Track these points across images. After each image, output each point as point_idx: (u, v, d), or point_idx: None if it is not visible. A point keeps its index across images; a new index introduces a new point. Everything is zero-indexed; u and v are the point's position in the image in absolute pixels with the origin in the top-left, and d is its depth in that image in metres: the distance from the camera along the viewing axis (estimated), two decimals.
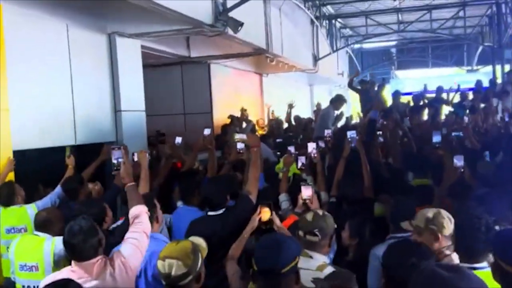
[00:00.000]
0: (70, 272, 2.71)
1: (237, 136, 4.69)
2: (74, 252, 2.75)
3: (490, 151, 5.65)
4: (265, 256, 2.09)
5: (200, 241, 2.52)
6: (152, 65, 8.61)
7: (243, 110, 10.19)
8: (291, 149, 5.40)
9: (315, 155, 4.78)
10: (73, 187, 4.45)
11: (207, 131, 5.38)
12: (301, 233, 2.77)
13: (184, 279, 2.27)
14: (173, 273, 2.26)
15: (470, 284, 1.56)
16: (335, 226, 2.87)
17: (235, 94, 11.05)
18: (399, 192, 4.10)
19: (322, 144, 5.50)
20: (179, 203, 4.51)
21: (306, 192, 3.60)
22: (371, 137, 5.72)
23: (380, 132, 5.91)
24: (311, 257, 2.70)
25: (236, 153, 4.95)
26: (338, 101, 8.89)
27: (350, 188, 4.15)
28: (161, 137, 7.85)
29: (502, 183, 4.13)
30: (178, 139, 5.79)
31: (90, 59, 6.06)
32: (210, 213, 3.61)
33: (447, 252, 2.84)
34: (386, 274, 2.04)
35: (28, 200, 4.53)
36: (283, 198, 4.35)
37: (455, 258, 2.73)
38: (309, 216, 2.83)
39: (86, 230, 2.73)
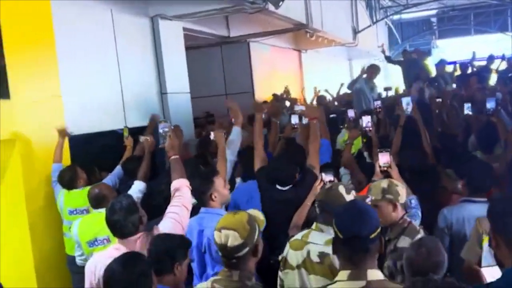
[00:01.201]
0: (114, 250, 2.75)
1: (296, 108, 4.63)
2: (115, 229, 2.83)
3: None
4: (352, 223, 1.97)
5: (257, 213, 2.46)
6: (192, 47, 8.61)
7: (286, 89, 10.09)
8: (351, 112, 5.27)
9: (370, 128, 4.64)
10: (132, 167, 4.53)
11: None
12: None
13: (241, 250, 2.19)
14: (229, 243, 2.18)
15: None
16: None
17: (275, 72, 10.94)
18: (455, 159, 4.00)
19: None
20: (238, 180, 4.52)
21: (383, 158, 3.46)
22: None
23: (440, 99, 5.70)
24: (322, 230, 2.69)
25: (290, 128, 4.79)
26: (369, 70, 8.71)
27: (413, 158, 4.02)
28: (210, 117, 7.91)
29: None
30: None
31: (134, 43, 6.11)
32: (279, 187, 3.63)
33: (408, 219, 2.93)
34: (492, 222, 1.92)
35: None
36: (344, 171, 4.27)
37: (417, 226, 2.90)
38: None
39: (126, 207, 2.80)
